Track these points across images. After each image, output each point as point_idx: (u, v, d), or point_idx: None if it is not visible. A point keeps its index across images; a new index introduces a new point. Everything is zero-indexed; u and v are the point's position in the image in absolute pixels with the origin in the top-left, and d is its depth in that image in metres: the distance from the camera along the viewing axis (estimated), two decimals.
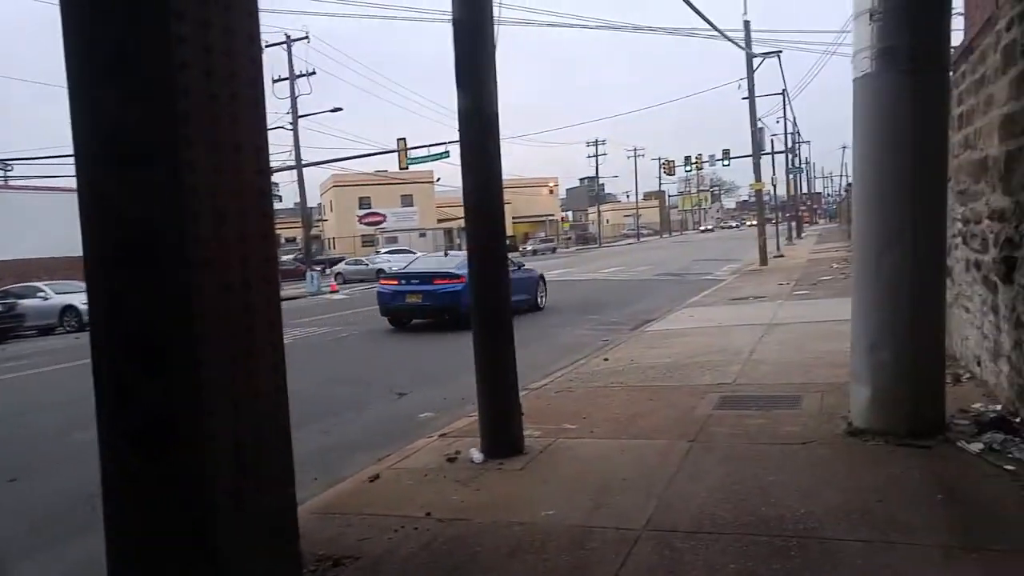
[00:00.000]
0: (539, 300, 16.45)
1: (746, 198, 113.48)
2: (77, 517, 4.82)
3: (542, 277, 17.03)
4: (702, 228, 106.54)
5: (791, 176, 54.26)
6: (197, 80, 2.87)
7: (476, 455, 5.01)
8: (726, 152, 43.27)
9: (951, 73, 5.91)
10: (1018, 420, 4.66)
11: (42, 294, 22.81)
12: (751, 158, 28.96)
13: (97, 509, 4.30)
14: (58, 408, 8.99)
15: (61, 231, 31.55)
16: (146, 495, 2.97)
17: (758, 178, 28.39)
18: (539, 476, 4.62)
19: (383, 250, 50.48)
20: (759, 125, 29.61)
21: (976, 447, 4.39)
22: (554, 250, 63.65)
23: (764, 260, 25.62)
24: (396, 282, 14.89)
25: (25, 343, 19.70)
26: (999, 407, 5.07)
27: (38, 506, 5.16)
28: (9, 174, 35.32)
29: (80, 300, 21.98)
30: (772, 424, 5.36)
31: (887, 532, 3.40)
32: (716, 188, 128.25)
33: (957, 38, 5.83)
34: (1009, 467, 4.06)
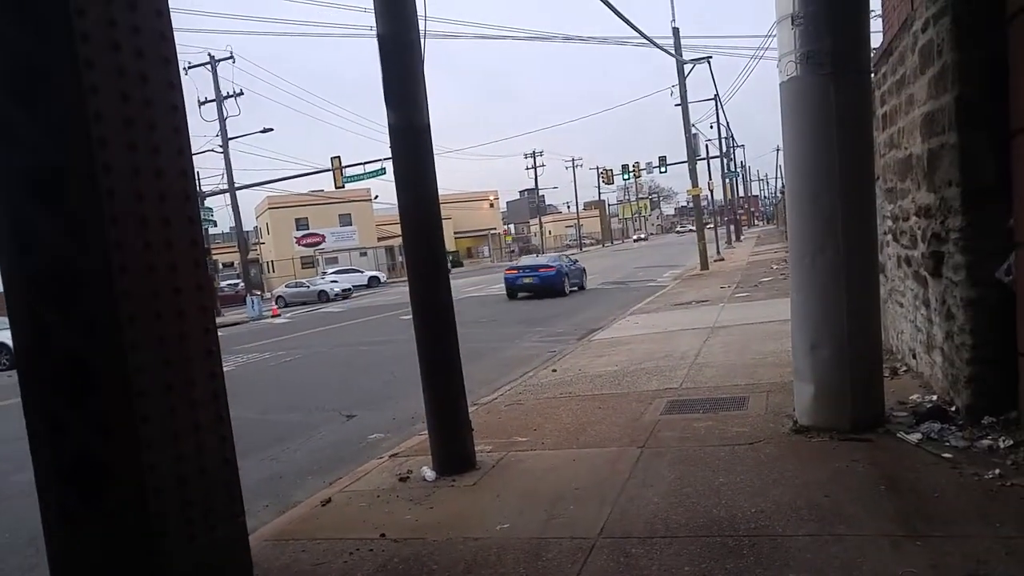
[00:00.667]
0: (584, 283, 24.70)
1: (685, 204, 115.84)
2: (21, 560, 4.68)
3: (584, 269, 25.53)
4: (635, 237, 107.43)
5: (727, 180, 55.50)
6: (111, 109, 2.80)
7: (428, 473, 4.95)
8: (662, 159, 44.03)
9: (872, 75, 6.13)
10: (953, 409, 4.83)
11: None
12: (687, 164, 29.54)
13: (40, 551, 4.13)
14: None
15: None
16: (88, 535, 2.85)
17: (695, 183, 28.93)
18: (492, 490, 4.58)
19: (330, 270, 49.88)
20: (693, 131, 30.22)
21: (915, 437, 4.54)
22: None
23: (705, 264, 26.12)
24: (516, 271, 23.95)
25: None
26: (935, 397, 5.25)
27: None
28: None
29: (9, 336, 21.03)
30: (720, 426, 5.44)
31: (834, 525, 3.48)
32: (655, 195, 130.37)
33: (877, 40, 6.05)
34: (947, 455, 4.20)
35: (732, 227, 54.42)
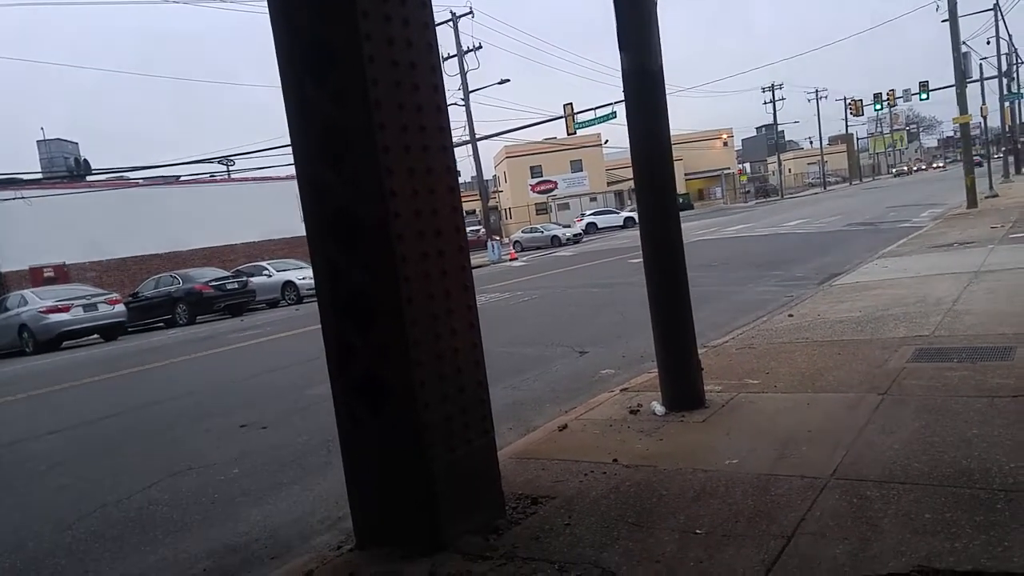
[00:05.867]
0: None
1: (951, 134, 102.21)
2: (317, 458, 5.63)
3: None
4: (895, 171, 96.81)
5: (1007, 104, 48.11)
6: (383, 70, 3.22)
7: (658, 408, 5.15)
8: (923, 84, 39.16)
9: None
10: None
11: (266, 272, 26.15)
12: (954, 88, 26.09)
13: (332, 451, 5.01)
14: (293, 368, 10.44)
15: (276, 216, 35.62)
16: (372, 437, 3.46)
17: (963, 110, 25.55)
18: (721, 428, 4.68)
19: (588, 212, 51.96)
20: (964, 49, 26.53)
21: None
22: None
23: (973, 202, 23.20)
24: None
25: (258, 315, 22.88)
26: None
27: (285, 450, 6.04)
28: (231, 168, 39.63)
29: (297, 276, 25.19)
30: (977, 376, 5.01)
31: None
32: (913, 126, 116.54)
33: None
34: None
35: (1011, 158, 47.30)
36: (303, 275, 24.85)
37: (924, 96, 40.08)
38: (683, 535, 3.21)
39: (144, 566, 4.10)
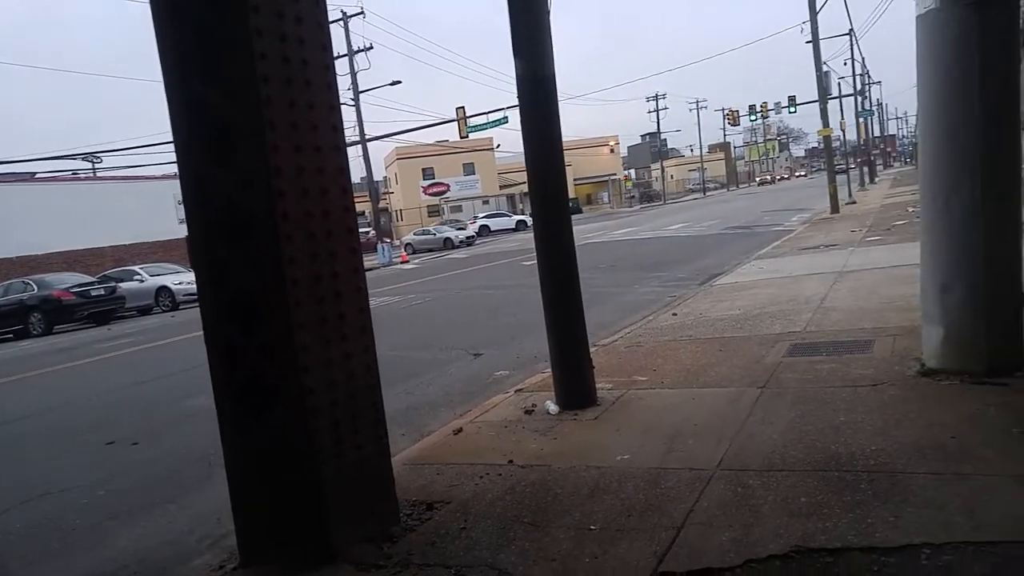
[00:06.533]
0: None
1: (815, 145, 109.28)
2: (194, 474, 5.33)
3: None
4: (758, 180, 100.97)
5: (861, 119, 52.08)
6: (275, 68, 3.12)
7: (552, 407, 5.23)
8: (791, 99, 41.86)
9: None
10: None
11: (138, 277, 24.47)
12: (818, 103, 28.02)
13: (212, 464, 4.74)
14: (166, 379, 9.80)
15: (150, 218, 33.53)
16: (257, 445, 3.32)
17: (825, 124, 27.61)
18: (613, 424, 4.81)
19: (480, 214, 52.32)
20: (825, 69, 28.51)
21: None
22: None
23: (835, 208, 24.92)
24: None
25: (128, 323, 21.20)
26: None
27: (158, 466, 5.68)
28: (98, 166, 37.17)
29: (173, 281, 23.62)
30: (843, 368, 5.39)
31: (960, 465, 3.44)
32: (784, 136, 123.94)
33: None
34: None
35: (866, 168, 51.15)
36: (179, 280, 23.33)
37: (793, 110, 42.91)
38: (578, 532, 3.27)
39: None
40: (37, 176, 33.62)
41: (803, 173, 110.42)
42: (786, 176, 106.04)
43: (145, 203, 34.36)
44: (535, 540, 3.25)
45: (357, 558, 3.22)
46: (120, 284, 23.33)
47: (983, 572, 2.57)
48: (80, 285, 22.13)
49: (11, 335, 21.60)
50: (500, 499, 3.76)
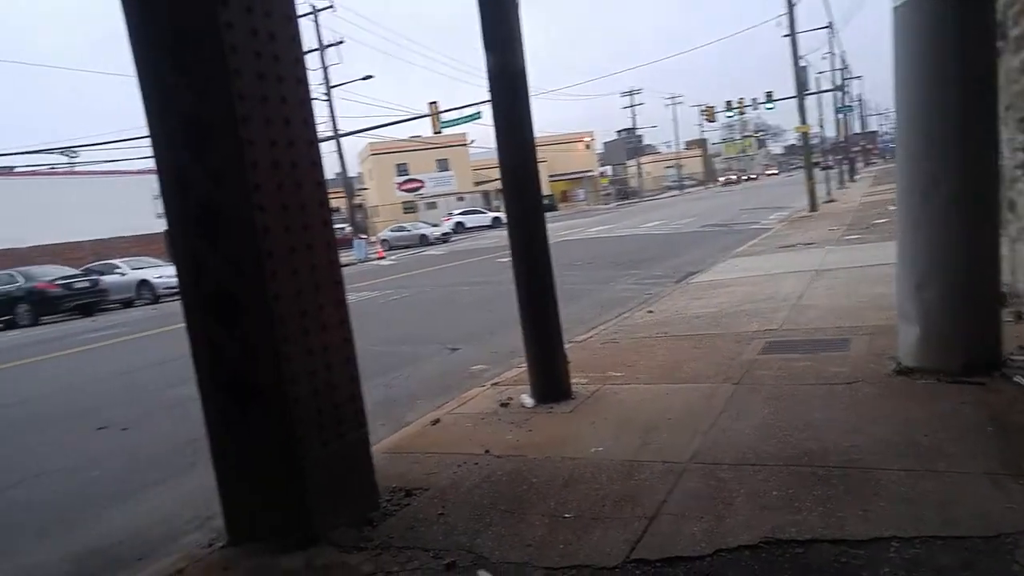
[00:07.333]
0: None
1: (794, 142, 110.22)
2: (182, 458, 5.40)
3: None
4: (723, 179, 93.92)
5: (841, 116, 52.51)
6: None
7: (527, 400, 5.26)
8: (768, 94, 41.98)
9: None
10: None
11: (119, 270, 24.51)
12: (796, 99, 28.14)
13: (197, 451, 4.80)
14: (153, 368, 9.92)
15: (128, 212, 33.23)
16: (242, 434, 3.35)
17: (803, 120, 27.53)
18: (587, 418, 4.85)
19: (456, 211, 52.13)
20: (802, 63, 28.67)
21: None
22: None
23: (814, 206, 25.12)
24: None
25: (112, 315, 21.41)
26: None
27: (148, 450, 5.81)
28: (76, 160, 36.62)
29: (153, 275, 23.71)
30: (818, 366, 5.45)
31: (933, 462, 3.45)
32: (761, 133, 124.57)
33: None
34: None
35: (846, 166, 51.65)
36: (159, 274, 23.58)
37: (770, 106, 43.00)
38: (553, 519, 3.32)
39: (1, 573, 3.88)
40: (15, 170, 33.19)
41: (775, 171, 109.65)
42: (754, 176, 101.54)
43: (123, 198, 34.16)
44: (511, 526, 3.30)
45: (339, 540, 3.30)
46: (102, 277, 23.49)
47: (950, 565, 2.62)
48: (65, 278, 22.54)
49: (1, 325, 21.84)
50: (477, 487, 3.81)
